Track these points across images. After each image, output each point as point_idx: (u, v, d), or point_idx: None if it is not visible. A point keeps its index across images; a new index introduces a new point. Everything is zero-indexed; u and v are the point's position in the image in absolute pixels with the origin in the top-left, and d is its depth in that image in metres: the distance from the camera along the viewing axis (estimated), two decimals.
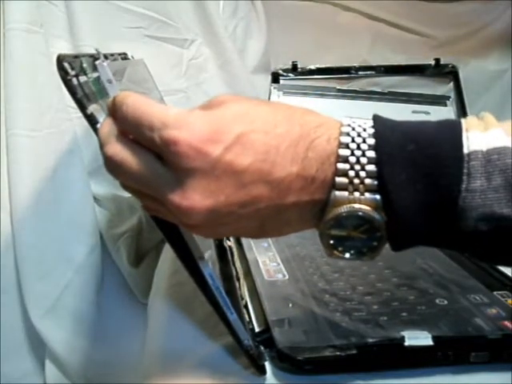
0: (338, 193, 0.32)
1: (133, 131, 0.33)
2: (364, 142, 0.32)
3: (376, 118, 0.33)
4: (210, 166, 0.31)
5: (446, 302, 0.47)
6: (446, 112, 0.84)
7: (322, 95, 0.84)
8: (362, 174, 0.32)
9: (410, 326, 0.42)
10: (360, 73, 0.86)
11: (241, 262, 0.55)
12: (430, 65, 0.86)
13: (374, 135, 0.32)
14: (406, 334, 0.41)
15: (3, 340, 0.67)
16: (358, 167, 0.32)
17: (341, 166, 0.32)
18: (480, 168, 0.30)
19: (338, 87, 0.85)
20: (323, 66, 0.86)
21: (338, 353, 0.39)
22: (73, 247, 0.69)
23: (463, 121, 0.33)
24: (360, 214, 0.32)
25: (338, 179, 0.32)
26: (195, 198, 0.31)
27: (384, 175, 0.31)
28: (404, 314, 0.45)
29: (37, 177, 0.66)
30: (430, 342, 0.40)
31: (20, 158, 0.65)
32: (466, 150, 0.31)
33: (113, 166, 0.33)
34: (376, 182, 0.32)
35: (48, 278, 0.67)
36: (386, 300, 0.47)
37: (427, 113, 0.83)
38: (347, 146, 0.32)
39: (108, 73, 0.36)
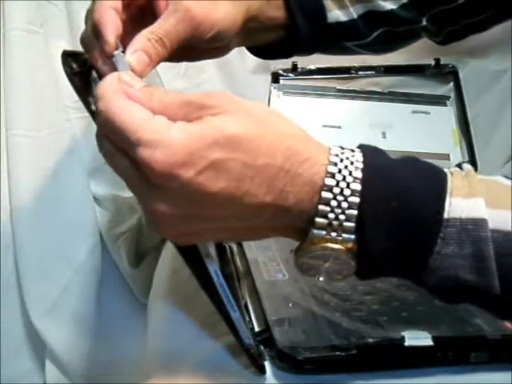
0: (315, 231, 0.33)
1: (111, 136, 0.32)
2: (348, 187, 0.32)
3: (366, 161, 0.33)
4: (179, 186, 0.31)
5: None
6: (446, 112, 0.83)
7: (321, 95, 0.83)
8: (342, 217, 0.32)
9: (410, 326, 0.42)
10: (360, 73, 0.85)
11: (241, 261, 0.55)
12: (430, 65, 0.85)
13: (362, 182, 0.32)
14: (405, 334, 0.41)
15: (3, 340, 0.67)
16: (338, 211, 0.32)
17: (321, 207, 0.32)
18: (455, 235, 0.32)
19: (338, 87, 0.84)
20: (323, 66, 0.85)
21: (338, 353, 0.39)
22: (73, 247, 0.69)
23: (449, 179, 0.33)
24: (334, 253, 0.33)
25: (318, 219, 0.32)
26: (161, 208, 0.32)
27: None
28: (404, 313, 0.45)
29: (37, 177, 0.66)
30: (429, 342, 0.40)
31: (20, 157, 0.65)
32: (446, 215, 0.32)
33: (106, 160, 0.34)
34: (354, 225, 0.32)
35: (48, 277, 0.67)
36: (385, 300, 0.47)
37: (427, 113, 0.83)
38: (330, 190, 0.32)
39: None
